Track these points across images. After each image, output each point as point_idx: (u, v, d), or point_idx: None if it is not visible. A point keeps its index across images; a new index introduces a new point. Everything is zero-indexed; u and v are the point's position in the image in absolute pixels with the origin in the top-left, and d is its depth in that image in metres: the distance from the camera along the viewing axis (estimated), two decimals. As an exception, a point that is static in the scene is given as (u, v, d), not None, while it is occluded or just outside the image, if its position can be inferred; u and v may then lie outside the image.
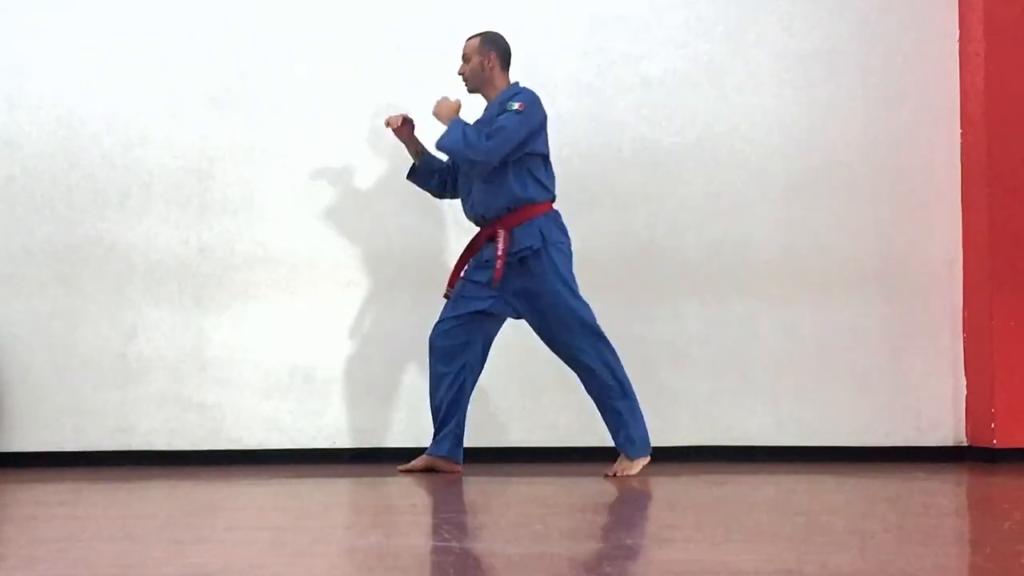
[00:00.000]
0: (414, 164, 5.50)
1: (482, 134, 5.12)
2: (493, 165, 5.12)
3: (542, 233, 5.16)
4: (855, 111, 6.17)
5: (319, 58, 6.05)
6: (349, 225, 6.02)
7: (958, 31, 6.17)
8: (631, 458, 5.11)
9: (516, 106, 5.13)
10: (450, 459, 5.25)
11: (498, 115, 5.17)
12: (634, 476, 5.02)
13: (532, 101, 5.18)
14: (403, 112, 5.43)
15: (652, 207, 6.09)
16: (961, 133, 6.14)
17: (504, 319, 5.35)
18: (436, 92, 5.60)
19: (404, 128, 5.40)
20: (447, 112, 5.25)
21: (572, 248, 5.27)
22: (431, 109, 5.30)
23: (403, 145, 5.49)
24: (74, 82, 5.96)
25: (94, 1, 6.00)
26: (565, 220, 5.61)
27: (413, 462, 5.32)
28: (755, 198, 6.12)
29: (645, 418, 5.21)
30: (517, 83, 5.34)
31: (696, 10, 6.17)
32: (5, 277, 5.86)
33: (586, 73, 6.11)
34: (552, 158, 5.88)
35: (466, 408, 5.31)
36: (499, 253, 5.12)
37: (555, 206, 5.31)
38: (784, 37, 6.18)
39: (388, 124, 5.40)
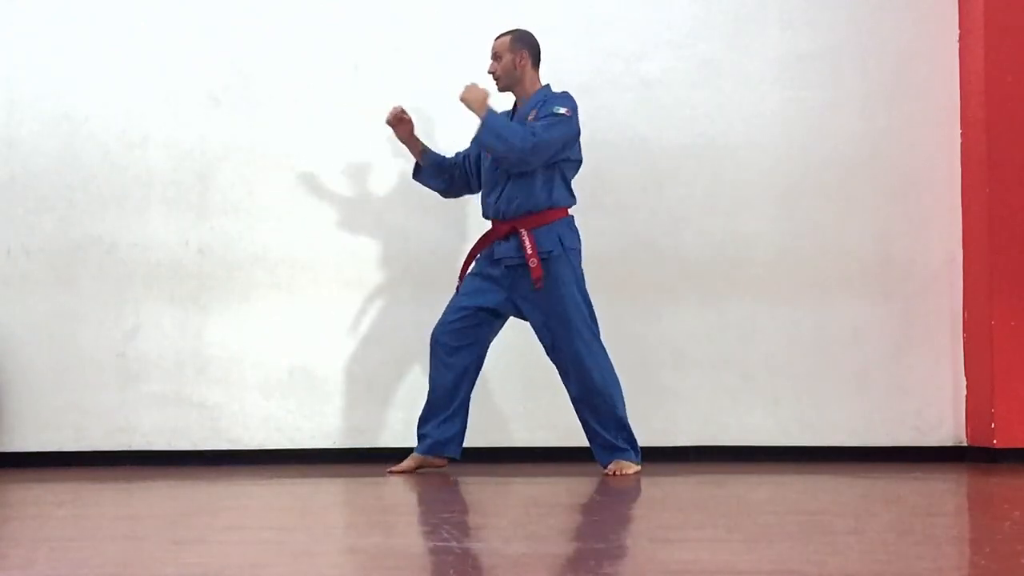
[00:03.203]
0: (418, 163, 5.49)
1: (527, 134, 5.06)
2: (531, 168, 5.11)
3: (560, 238, 5.16)
4: (855, 111, 6.17)
5: (319, 59, 6.05)
6: (349, 225, 6.02)
7: (958, 31, 6.17)
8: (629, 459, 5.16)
9: (563, 111, 5.12)
10: (435, 455, 5.27)
11: (542, 117, 5.13)
12: (631, 475, 5.07)
13: (576, 108, 5.18)
14: (397, 107, 5.38)
15: (652, 207, 6.09)
16: (961, 133, 6.14)
17: (505, 320, 5.35)
18: (435, 93, 5.62)
19: (402, 128, 5.37)
20: (478, 99, 5.12)
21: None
22: (460, 94, 5.16)
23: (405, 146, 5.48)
24: (74, 82, 5.96)
25: (94, 1, 6.01)
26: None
27: (403, 463, 5.34)
28: (755, 198, 6.12)
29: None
30: (548, 85, 5.33)
31: (696, 10, 6.17)
32: (5, 277, 5.86)
33: (586, 73, 6.10)
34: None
35: (463, 409, 5.31)
36: (529, 253, 5.10)
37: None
38: (784, 37, 6.18)
39: (388, 123, 5.38)
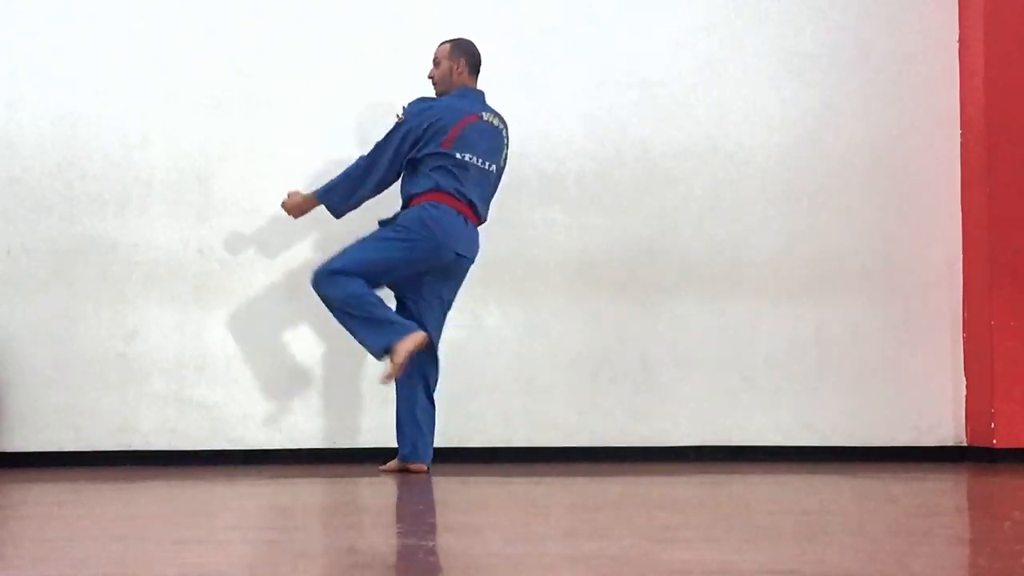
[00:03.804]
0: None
1: (359, 161, 5.35)
2: (384, 173, 5.31)
3: (397, 215, 5.30)
4: (855, 111, 6.17)
5: (319, 59, 6.05)
6: (348, 226, 6.01)
7: (958, 31, 6.17)
8: None
9: (399, 116, 5.33)
10: (409, 461, 5.32)
11: None
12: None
13: (411, 111, 5.30)
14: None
15: (652, 207, 6.09)
16: (961, 133, 6.14)
17: (439, 312, 5.37)
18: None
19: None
20: (298, 204, 5.50)
21: (413, 235, 5.21)
22: (287, 212, 5.54)
23: None
24: (74, 82, 5.96)
25: (94, 1, 6.00)
26: (566, 220, 5.59)
27: (389, 463, 5.41)
28: (755, 198, 6.12)
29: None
30: (480, 92, 5.40)
31: (696, 10, 6.17)
32: (5, 277, 5.86)
33: (586, 73, 6.10)
34: (551, 158, 5.90)
35: (425, 410, 5.34)
36: None
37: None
38: (784, 37, 6.18)
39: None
